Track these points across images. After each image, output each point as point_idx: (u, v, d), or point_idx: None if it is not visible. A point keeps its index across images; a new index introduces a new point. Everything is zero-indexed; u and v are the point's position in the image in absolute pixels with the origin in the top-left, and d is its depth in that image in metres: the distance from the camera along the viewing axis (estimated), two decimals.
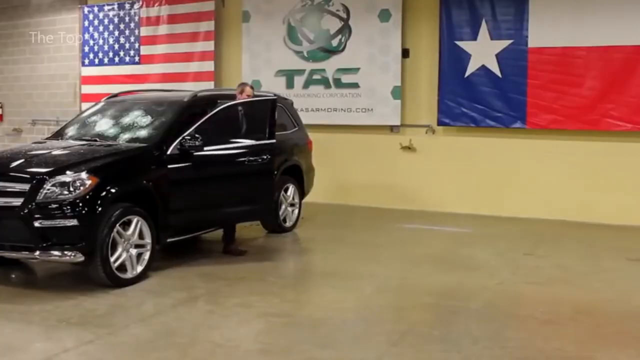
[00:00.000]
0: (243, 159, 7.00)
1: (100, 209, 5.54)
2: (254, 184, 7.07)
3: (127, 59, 12.09)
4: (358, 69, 10.23)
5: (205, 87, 10.48)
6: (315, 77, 10.52)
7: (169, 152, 6.32)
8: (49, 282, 6.19)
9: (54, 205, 5.42)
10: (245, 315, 5.05)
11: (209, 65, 11.25)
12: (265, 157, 6.72)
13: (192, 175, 6.65)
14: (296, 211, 8.43)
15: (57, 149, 6.44)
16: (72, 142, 6.69)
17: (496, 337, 4.61)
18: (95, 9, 12.39)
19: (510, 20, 9.20)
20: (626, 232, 8.38)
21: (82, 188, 5.50)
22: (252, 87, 7.39)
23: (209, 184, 6.87)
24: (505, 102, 9.28)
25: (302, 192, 8.55)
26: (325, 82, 10.45)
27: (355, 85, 10.24)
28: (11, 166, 5.83)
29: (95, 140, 6.64)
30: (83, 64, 12.59)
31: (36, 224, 5.39)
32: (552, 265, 6.69)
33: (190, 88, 10.25)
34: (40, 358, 4.20)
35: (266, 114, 6.86)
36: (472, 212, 9.47)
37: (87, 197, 5.49)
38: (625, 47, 8.61)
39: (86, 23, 12.49)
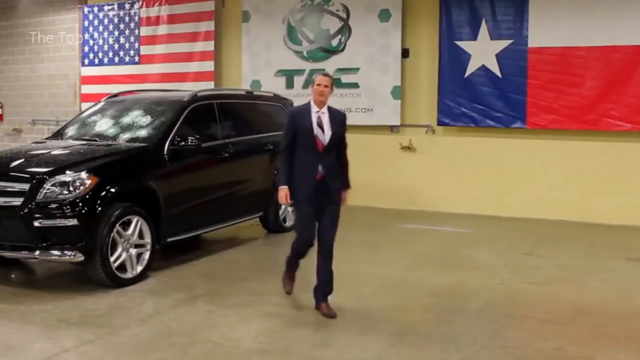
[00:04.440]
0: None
1: (100, 208, 5.54)
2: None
3: (127, 59, 12.09)
4: (358, 69, 10.22)
5: (205, 87, 10.47)
6: None
7: (168, 152, 6.33)
8: (49, 282, 6.19)
9: (53, 205, 5.42)
10: (245, 315, 5.05)
11: (208, 65, 11.25)
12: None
13: (192, 174, 6.68)
14: None
15: (57, 148, 6.44)
16: (72, 142, 6.69)
17: (496, 337, 4.61)
18: (95, 9, 12.39)
19: (510, 20, 9.20)
20: (626, 232, 8.38)
21: (81, 188, 5.50)
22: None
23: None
24: (505, 102, 9.28)
25: None
26: None
27: (355, 85, 10.23)
28: (11, 166, 5.83)
29: (95, 140, 6.64)
30: (83, 64, 12.59)
31: (36, 224, 5.39)
32: (552, 265, 6.69)
33: (190, 88, 10.25)
34: (40, 358, 4.20)
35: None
36: (472, 212, 9.47)
37: (87, 196, 5.49)
38: (625, 47, 8.61)
39: (86, 23, 12.49)
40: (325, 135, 4.96)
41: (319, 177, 4.92)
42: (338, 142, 5.04)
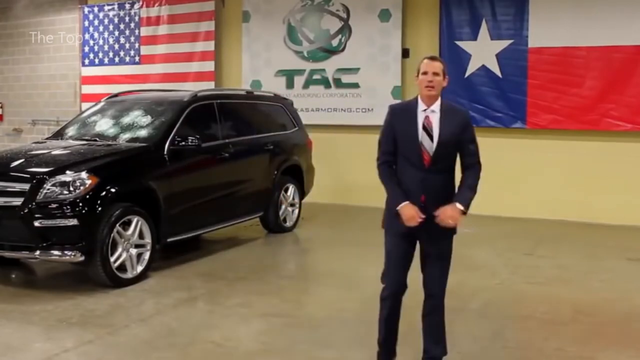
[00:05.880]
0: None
1: (100, 208, 5.54)
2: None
3: (127, 59, 12.09)
4: (358, 69, 10.22)
5: (205, 87, 10.48)
6: (315, 77, 10.52)
7: (168, 152, 6.33)
8: (49, 282, 6.19)
9: (54, 205, 5.42)
10: (245, 315, 5.05)
11: (209, 66, 11.25)
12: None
13: (192, 174, 6.68)
14: (296, 211, 8.44)
15: (57, 148, 6.44)
16: (72, 142, 6.69)
17: (496, 337, 4.61)
18: (95, 9, 12.39)
19: (510, 20, 9.20)
20: (626, 232, 8.38)
21: (82, 188, 5.50)
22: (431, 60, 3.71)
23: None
24: (505, 102, 9.28)
25: (302, 192, 8.55)
26: (325, 82, 10.45)
27: (355, 85, 10.24)
28: (11, 166, 5.83)
29: (96, 140, 6.64)
30: (83, 64, 12.59)
31: (36, 224, 5.39)
32: (552, 265, 6.69)
33: (190, 88, 10.24)
34: (40, 358, 4.20)
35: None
36: (472, 212, 9.38)
37: (87, 196, 5.49)
38: (625, 47, 8.61)
39: (86, 23, 12.48)
40: (432, 143, 3.62)
41: (423, 201, 3.65)
42: (452, 153, 3.70)
